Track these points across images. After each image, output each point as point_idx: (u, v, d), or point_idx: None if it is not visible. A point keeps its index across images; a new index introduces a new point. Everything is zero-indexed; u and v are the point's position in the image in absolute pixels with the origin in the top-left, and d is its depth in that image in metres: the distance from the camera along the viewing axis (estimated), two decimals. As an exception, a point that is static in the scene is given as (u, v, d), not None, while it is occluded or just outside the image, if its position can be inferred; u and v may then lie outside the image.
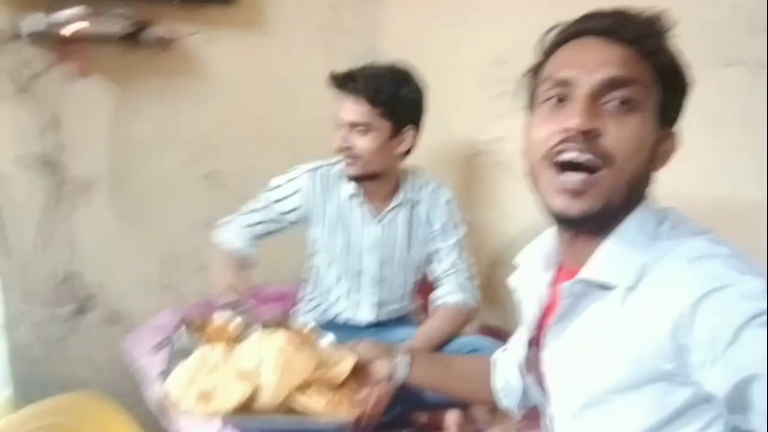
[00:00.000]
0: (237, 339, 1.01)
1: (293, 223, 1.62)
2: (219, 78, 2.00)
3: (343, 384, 0.99)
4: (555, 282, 0.90)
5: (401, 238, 1.58)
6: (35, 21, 1.53)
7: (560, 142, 0.75)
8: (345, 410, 0.93)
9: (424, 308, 1.70)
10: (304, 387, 0.93)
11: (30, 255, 1.71)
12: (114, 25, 1.65)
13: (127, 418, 1.50)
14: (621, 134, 0.74)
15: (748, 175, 1.31)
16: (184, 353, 0.99)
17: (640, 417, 0.74)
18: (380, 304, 1.64)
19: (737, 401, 0.63)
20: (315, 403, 0.91)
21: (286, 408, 0.94)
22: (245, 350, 0.96)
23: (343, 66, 1.50)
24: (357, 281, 1.62)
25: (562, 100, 0.78)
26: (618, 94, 0.74)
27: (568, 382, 0.86)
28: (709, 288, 0.66)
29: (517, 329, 1.03)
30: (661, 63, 0.77)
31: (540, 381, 0.94)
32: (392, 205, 1.56)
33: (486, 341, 1.48)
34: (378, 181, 1.53)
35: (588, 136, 0.73)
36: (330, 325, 1.63)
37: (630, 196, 0.77)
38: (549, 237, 0.93)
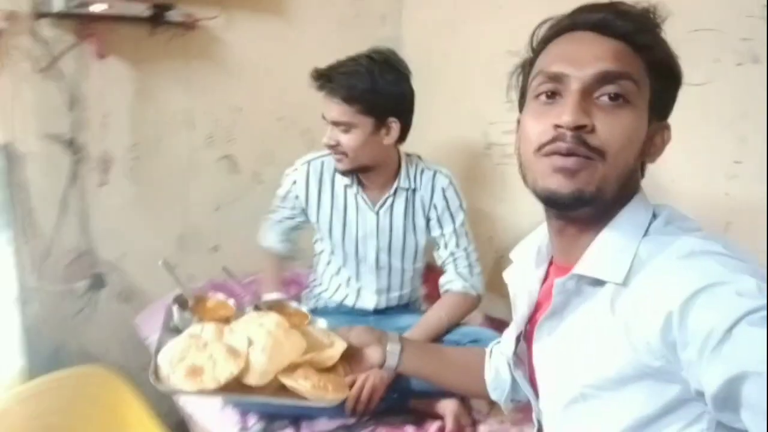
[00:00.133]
0: (229, 320, 1.03)
1: (305, 212, 1.65)
2: (239, 62, 2.02)
3: (332, 369, 1.00)
4: (546, 278, 0.90)
5: (399, 225, 1.58)
6: (58, 1, 1.55)
7: (553, 139, 0.75)
8: (331, 394, 0.94)
9: (433, 296, 1.71)
10: (291, 369, 0.94)
11: (48, 231, 1.76)
12: (136, 6, 1.67)
13: (136, 393, 1.54)
14: (613, 129, 0.73)
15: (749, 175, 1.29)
16: (176, 331, 1.01)
17: (627, 413, 0.74)
18: (382, 291, 1.65)
19: (727, 399, 0.62)
20: (300, 386, 0.92)
21: (276, 388, 0.95)
22: (236, 330, 0.97)
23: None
24: (357, 269, 1.64)
25: (554, 95, 0.77)
26: (610, 88, 0.74)
27: (557, 377, 0.86)
28: (702, 285, 0.65)
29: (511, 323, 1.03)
30: (654, 56, 0.76)
31: (529, 376, 0.94)
32: (388, 193, 1.57)
33: (487, 332, 1.49)
34: (372, 172, 1.54)
35: (580, 132, 0.73)
36: (336, 311, 1.66)
37: (622, 189, 0.76)
38: (542, 233, 0.92)
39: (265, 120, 2.12)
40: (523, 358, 0.95)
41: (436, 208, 1.56)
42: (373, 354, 1.06)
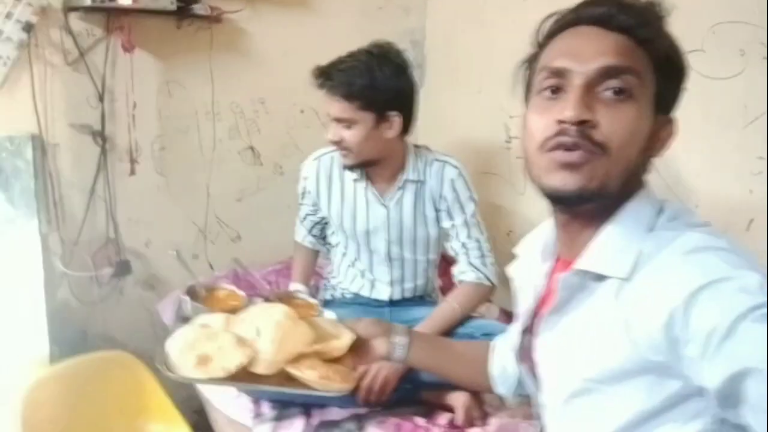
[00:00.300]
0: (238, 310, 1.05)
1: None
2: (263, 54, 2.04)
3: (339, 360, 1.01)
4: (552, 272, 0.90)
5: (409, 218, 1.59)
6: (86, -5, 1.60)
7: (556, 134, 0.74)
8: (337, 385, 0.96)
9: (449, 287, 1.71)
10: (298, 359, 0.96)
11: (77, 219, 1.81)
12: (163, 0, 1.69)
13: (158, 378, 1.59)
14: (616, 124, 0.73)
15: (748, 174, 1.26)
16: (186, 320, 1.03)
17: (628, 407, 0.74)
18: (395, 282, 1.66)
19: (730, 395, 0.62)
20: (306, 375, 0.94)
21: (284, 377, 0.97)
22: (245, 320, 0.99)
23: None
24: (370, 260, 1.65)
25: (557, 90, 0.77)
26: (613, 83, 0.74)
27: (559, 370, 0.86)
28: (706, 281, 0.65)
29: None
30: (657, 50, 0.75)
31: (532, 369, 0.94)
32: (397, 186, 1.57)
33: (501, 326, 1.47)
34: (378, 165, 1.54)
35: (583, 127, 0.73)
36: (352, 302, 1.68)
37: (626, 184, 0.76)
38: (548, 228, 0.92)
39: (288, 112, 2.14)
40: (527, 351, 0.95)
41: (445, 199, 1.56)
42: (380, 346, 1.07)
